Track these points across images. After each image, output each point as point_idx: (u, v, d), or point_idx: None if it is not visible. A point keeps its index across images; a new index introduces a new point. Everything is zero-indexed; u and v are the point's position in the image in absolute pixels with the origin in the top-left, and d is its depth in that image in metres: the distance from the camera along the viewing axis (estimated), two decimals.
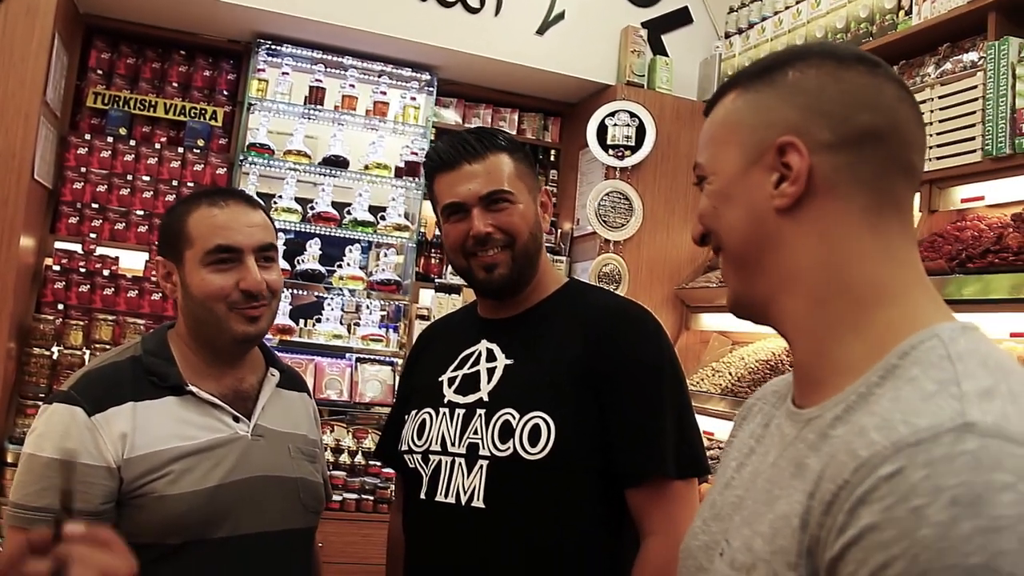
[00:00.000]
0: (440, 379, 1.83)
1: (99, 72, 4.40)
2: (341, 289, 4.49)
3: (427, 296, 4.60)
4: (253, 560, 1.68)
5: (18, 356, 3.85)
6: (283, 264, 4.40)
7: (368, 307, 4.56)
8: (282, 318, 4.37)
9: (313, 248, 4.48)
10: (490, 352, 1.80)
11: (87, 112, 4.36)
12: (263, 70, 4.48)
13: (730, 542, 0.95)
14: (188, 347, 1.75)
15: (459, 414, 1.75)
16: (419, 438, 1.80)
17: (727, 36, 4.66)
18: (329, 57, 4.58)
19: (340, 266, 4.53)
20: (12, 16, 3.67)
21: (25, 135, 3.69)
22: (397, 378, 4.46)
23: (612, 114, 4.54)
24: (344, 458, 4.04)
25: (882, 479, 0.74)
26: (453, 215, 1.79)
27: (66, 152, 4.20)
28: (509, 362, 1.76)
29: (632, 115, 4.54)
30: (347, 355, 4.53)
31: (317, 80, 4.58)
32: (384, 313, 4.64)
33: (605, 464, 1.67)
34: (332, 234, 4.52)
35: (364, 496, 3.95)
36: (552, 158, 5.13)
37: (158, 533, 1.59)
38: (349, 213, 4.57)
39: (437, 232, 4.76)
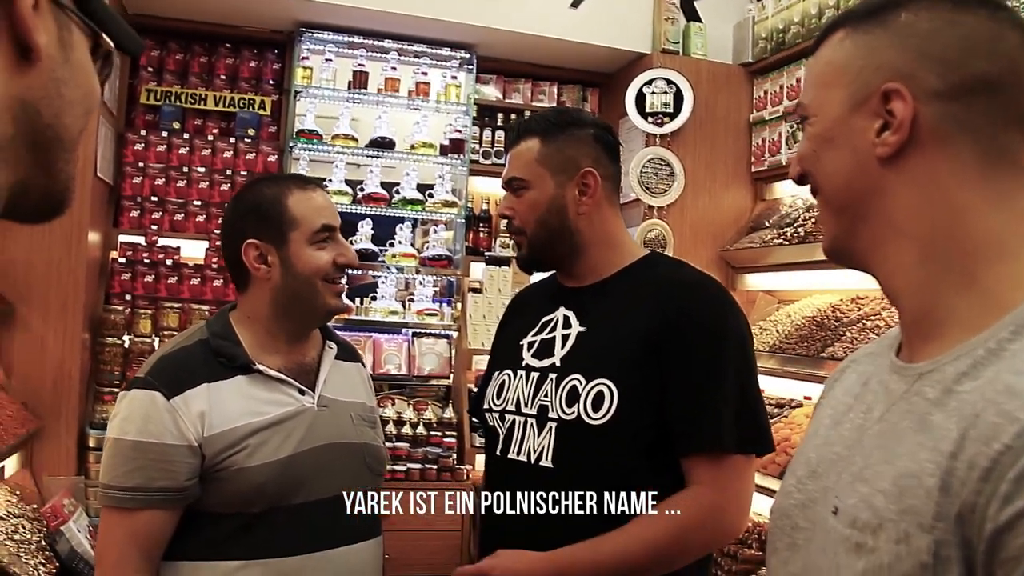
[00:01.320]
0: (521, 343, 1.93)
1: (150, 70, 4.54)
2: (394, 267, 4.61)
3: (478, 269, 4.72)
4: (328, 522, 1.81)
5: (92, 346, 4.02)
6: None
7: (421, 282, 4.68)
8: None
9: (365, 228, 4.60)
10: (566, 319, 1.88)
11: (141, 109, 4.50)
12: (307, 58, 4.59)
13: (842, 499, 0.90)
14: (261, 325, 1.86)
15: (533, 377, 1.85)
16: (498, 398, 1.92)
17: None
18: (370, 41, 4.68)
19: (392, 244, 4.65)
20: None
21: (86, 135, 3.82)
22: (453, 351, 4.60)
23: (649, 82, 4.60)
24: (406, 429, 4.16)
25: None
26: None
27: (124, 149, 4.35)
28: (582, 329, 1.84)
29: (669, 82, 4.60)
30: (403, 330, 4.66)
31: (360, 64, 4.68)
32: (437, 288, 4.76)
33: (665, 433, 1.72)
34: (382, 214, 4.64)
35: (427, 465, 4.09)
36: None
37: (241, 503, 1.73)
38: (398, 192, 4.68)
39: (484, 206, 4.87)
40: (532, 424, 1.81)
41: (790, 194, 4.50)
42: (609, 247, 1.91)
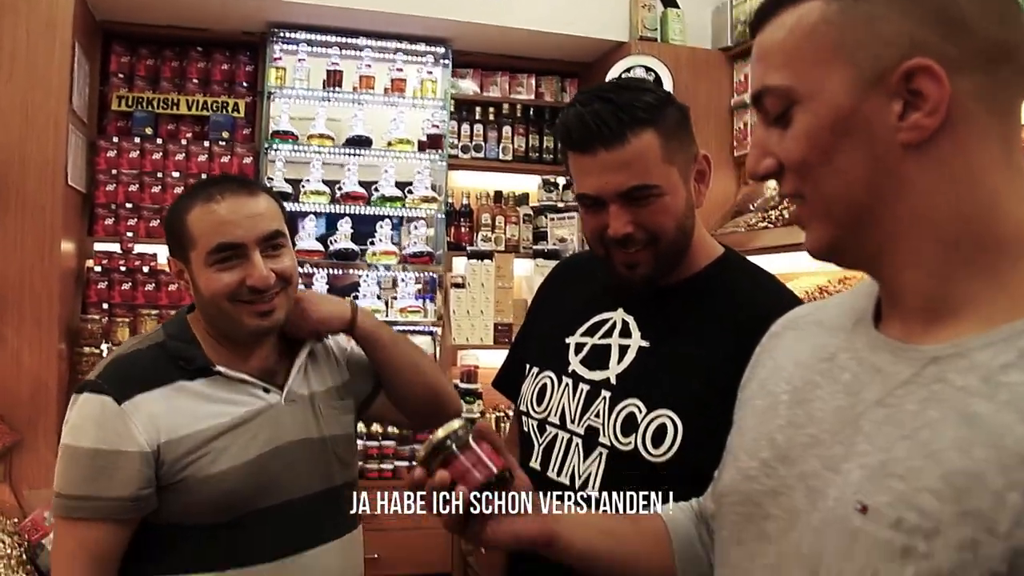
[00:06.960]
0: (567, 340, 1.70)
1: (120, 76, 4.49)
2: (376, 265, 4.56)
3: (460, 264, 4.67)
4: (302, 522, 1.72)
5: (70, 356, 3.96)
6: (317, 246, 4.48)
7: (403, 280, 4.63)
8: None
9: (344, 227, 4.54)
10: (625, 325, 1.63)
11: (113, 116, 4.46)
12: (280, 58, 4.55)
13: (866, 496, 0.78)
14: (209, 333, 1.76)
15: (583, 390, 1.62)
16: (538, 404, 1.70)
17: None
18: (343, 39, 4.63)
19: (372, 243, 4.59)
20: (33, 31, 3.76)
21: (56, 143, 3.78)
22: (437, 347, 4.54)
23: (628, 70, 4.54)
24: (393, 428, 4.10)
25: None
26: (589, 205, 1.58)
27: (96, 156, 4.30)
28: (644, 344, 1.59)
29: (648, 69, 4.54)
30: None
31: (334, 63, 4.63)
32: (419, 285, 4.70)
33: None
34: (362, 212, 4.58)
35: (413, 463, 4.02)
36: None
37: (209, 512, 1.63)
38: (376, 190, 4.63)
39: (465, 201, 4.82)
40: (578, 445, 1.59)
41: None
42: (697, 245, 1.62)
